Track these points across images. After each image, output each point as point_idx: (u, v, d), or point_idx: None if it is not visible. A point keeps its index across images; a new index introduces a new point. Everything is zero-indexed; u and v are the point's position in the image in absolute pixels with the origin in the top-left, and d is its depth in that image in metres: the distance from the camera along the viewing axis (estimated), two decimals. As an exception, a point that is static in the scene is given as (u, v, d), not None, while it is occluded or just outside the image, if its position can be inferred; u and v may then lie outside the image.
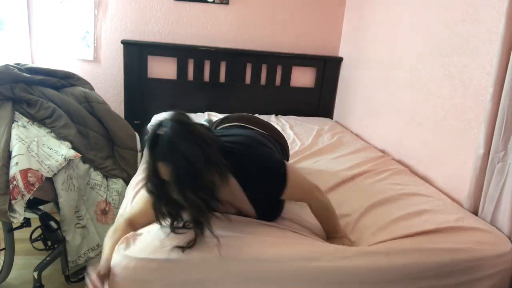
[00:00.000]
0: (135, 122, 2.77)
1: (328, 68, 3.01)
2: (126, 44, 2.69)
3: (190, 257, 1.13)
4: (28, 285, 1.80)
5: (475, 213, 1.58)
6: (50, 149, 1.71)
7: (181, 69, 2.82)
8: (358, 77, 2.74)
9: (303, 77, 3.04)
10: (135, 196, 1.53)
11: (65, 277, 1.79)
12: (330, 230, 1.35)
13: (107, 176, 1.95)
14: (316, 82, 3.04)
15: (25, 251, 2.03)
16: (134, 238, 1.18)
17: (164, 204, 1.12)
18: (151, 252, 1.12)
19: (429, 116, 1.95)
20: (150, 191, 1.12)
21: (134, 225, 1.26)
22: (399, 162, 2.14)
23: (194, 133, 1.10)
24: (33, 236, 1.80)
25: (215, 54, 2.83)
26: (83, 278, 1.83)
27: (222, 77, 2.90)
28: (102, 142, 2.03)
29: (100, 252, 1.84)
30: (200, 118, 2.64)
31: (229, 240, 1.18)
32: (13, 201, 1.52)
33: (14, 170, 1.54)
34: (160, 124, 1.09)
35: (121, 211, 1.46)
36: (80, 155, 1.79)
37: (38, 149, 1.67)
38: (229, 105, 2.93)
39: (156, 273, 1.12)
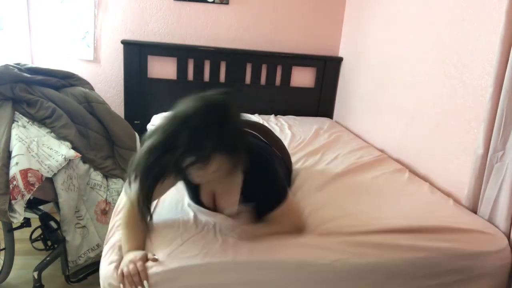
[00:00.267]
0: (135, 122, 2.77)
1: (328, 68, 3.01)
2: (126, 44, 2.69)
3: (207, 261, 1.13)
4: (28, 285, 1.80)
5: (474, 211, 1.59)
6: (50, 149, 1.71)
7: (181, 69, 2.82)
8: (358, 77, 2.74)
9: (303, 77, 3.04)
10: None
11: (65, 277, 1.80)
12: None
13: (107, 176, 1.95)
14: (316, 82, 3.04)
15: (25, 251, 2.03)
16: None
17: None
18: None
19: (429, 116, 1.95)
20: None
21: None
22: (399, 161, 2.14)
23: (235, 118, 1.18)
24: (33, 236, 1.80)
25: (215, 54, 2.83)
26: (83, 278, 1.83)
27: (222, 77, 2.90)
28: (102, 142, 2.04)
29: (100, 252, 1.84)
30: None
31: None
32: (13, 201, 1.52)
33: (14, 170, 1.54)
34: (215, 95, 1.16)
35: (118, 207, 1.45)
36: (80, 155, 1.79)
37: (38, 149, 1.67)
38: (229, 105, 2.92)
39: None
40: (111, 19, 2.71)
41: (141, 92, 2.80)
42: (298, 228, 1.29)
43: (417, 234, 1.33)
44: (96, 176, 1.89)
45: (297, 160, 2.01)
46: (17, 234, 1.75)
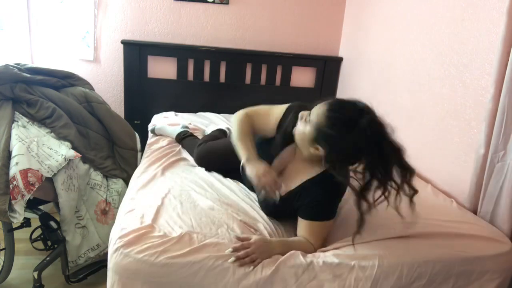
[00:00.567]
0: (135, 122, 2.77)
1: (328, 68, 3.01)
2: (126, 44, 2.69)
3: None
4: (28, 285, 1.80)
5: (475, 212, 1.59)
6: (50, 149, 1.71)
7: (181, 69, 2.82)
8: (358, 77, 2.74)
9: (303, 77, 3.04)
10: (138, 190, 1.54)
11: (65, 277, 1.79)
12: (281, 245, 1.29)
13: (107, 176, 1.95)
14: (316, 82, 3.04)
15: (25, 251, 2.03)
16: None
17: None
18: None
19: (429, 116, 1.95)
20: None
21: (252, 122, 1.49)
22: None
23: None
24: (33, 236, 1.80)
25: (215, 54, 2.83)
26: (83, 278, 1.83)
27: (222, 77, 2.90)
28: (102, 142, 2.04)
29: (100, 252, 1.84)
30: (201, 118, 2.65)
31: None
32: (13, 201, 1.52)
33: (14, 170, 1.54)
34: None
35: (121, 208, 1.45)
36: (80, 155, 1.79)
37: (38, 149, 1.67)
38: (229, 105, 2.92)
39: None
40: (111, 19, 2.71)
41: (141, 92, 2.80)
42: (312, 249, 1.29)
43: (418, 240, 1.33)
44: (96, 176, 1.89)
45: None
46: (17, 234, 1.75)
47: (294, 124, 1.34)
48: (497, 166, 1.47)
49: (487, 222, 1.51)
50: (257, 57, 2.89)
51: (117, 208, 1.87)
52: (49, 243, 1.79)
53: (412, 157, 2.07)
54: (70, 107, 1.96)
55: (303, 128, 1.27)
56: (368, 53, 2.61)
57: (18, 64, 1.96)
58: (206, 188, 1.61)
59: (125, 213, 1.37)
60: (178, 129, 2.19)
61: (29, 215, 1.76)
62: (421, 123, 2.01)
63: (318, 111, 1.24)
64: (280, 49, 2.94)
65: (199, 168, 1.84)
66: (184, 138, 2.10)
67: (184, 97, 2.87)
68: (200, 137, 2.17)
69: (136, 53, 2.72)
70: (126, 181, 1.97)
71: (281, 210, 1.41)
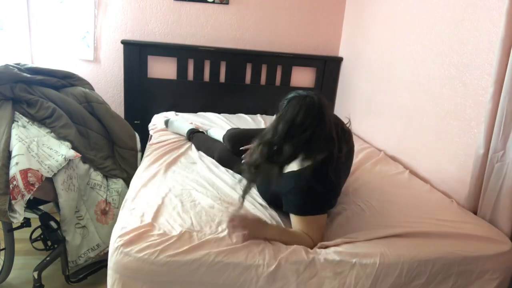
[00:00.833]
0: (135, 122, 2.78)
1: (328, 68, 3.01)
2: (126, 44, 2.69)
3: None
4: (28, 285, 1.80)
5: (474, 212, 1.59)
6: (50, 149, 1.71)
7: (181, 69, 2.82)
8: (358, 77, 2.74)
9: (303, 77, 3.04)
10: (139, 190, 1.55)
11: (65, 277, 1.79)
12: (277, 230, 1.34)
13: (107, 176, 1.95)
14: (316, 82, 3.04)
15: (25, 251, 2.03)
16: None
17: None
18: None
19: (429, 116, 1.95)
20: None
21: None
22: (399, 162, 2.14)
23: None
24: (33, 236, 1.80)
25: (215, 54, 2.83)
26: (83, 278, 1.83)
27: (222, 77, 2.90)
28: (102, 142, 2.03)
29: (100, 252, 1.84)
30: (201, 118, 2.65)
31: None
32: (13, 201, 1.52)
33: (14, 170, 1.54)
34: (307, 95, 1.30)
35: (122, 207, 1.46)
36: (80, 155, 1.79)
37: (38, 149, 1.67)
38: (229, 105, 2.93)
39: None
40: (111, 19, 2.71)
41: (141, 92, 2.80)
42: (310, 243, 1.29)
43: (418, 239, 1.33)
44: (96, 176, 1.89)
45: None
46: (17, 234, 1.75)
47: None
48: (496, 166, 1.47)
49: (487, 222, 1.51)
50: (257, 57, 2.89)
51: (117, 208, 1.87)
52: (49, 243, 1.78)
53: (412, 157, 2.08)
54: (70, 107, 1.96)
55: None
56: (368, 53, 2.62)
57: (18, 64, 1.96)
58: (207, 186, 1.62)
59: (126, 212, 1.37)
60: (190, 126, 2.27)
61: (29, 215, 1.76)
62: (421, 123, 2.02)
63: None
64: (280, 49, 2.94)
65: (201, 165, 1.85)
66: (195, 133, 2.19)
67: (184, 97, 2.87)
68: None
69: (136, 53, 2.72)
70: (126, 181, 1.97)
71: (274, 194, 1.45)
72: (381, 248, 1.26)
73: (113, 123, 2.10)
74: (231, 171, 1.81)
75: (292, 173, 1.33)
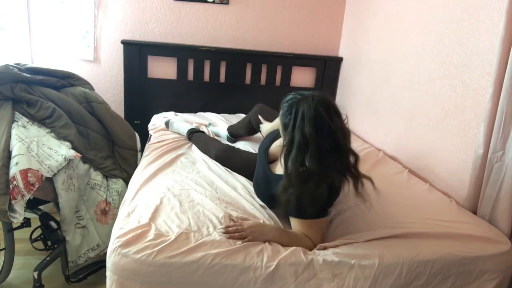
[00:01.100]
0: (135, 122, 2.78)
1: (328, 68, 3.01)
2: (126, 44, 2.69)
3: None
4: (28, 285, 1.80)
5: (474, 212, 1.59)
6: (50, 149, 1.71)
7: (181, 69, 2.82)
8: (358, 77, 2.74)
9: (303, 77, 3.04)
10: (138, 190, 1.54)
11: (65, 277, 1.80)
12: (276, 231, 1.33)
13: (107, 176, 1.95)
14: (316, 82, 3.04)
15: (25, 251, 2.03)
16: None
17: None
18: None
19: (429, 116, 1.95)
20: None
21: None
22: (399, 161, 2.14)
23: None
24: (33, 236, 1.80)
25: (215, 54, 2.83)
26: (83, 278, 1.83)
27: (222, 77, 2.90)
28: (102, 142, 2.04)
29: (100, 252, 1.84)
30: (201, 118, 2.65)
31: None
32: (13, 201, 1.52)
33: (14, 170, 1.54)
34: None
35: (121, 208, 1.46)
36: (80, 155, 1.79)
37: (38, 149, 1.67)
38: (229, 105, 2.93)
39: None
40: (111, 19, 2.71)
41: (141, 92, 2.80)
42: (310, 244, 1.29)
43: (417, 239, 1.33)
44: (96, 176, 1.89)
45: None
46: (17, 234, 1.75)
47: None
48: (495, 166, 1.47)
49: (487, 222, 1.51)
50: (257, 57, 2.89)
51: (117, 208, 1.88)
52: (49, 243, 1.79)
53: (412, 157, 2.08)
54: (70, 107, 1.96)
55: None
56: (368, 53, 2.61)
57: (18, 64, 1.96)
58: (206, 186, 1.61)
59: (124, 212, 1.37)
60: (190, 126, 2.28)
61: (29, 215, 1.76)
62: (421, 123, 2.01)
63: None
64: (280, 49, 2.94)
65: (201, 165, 1.85)
66: (195, 133, 2.20)
67: (184, 97, 2.87)
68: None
69: (136, 53, 2.72)
70: (126, 181, 1.97)
71: (267, 195, 1.45)
72: (380, 249, 1.26)
73: (113, 123, 2.10)
74: (231, 172, 1.80)
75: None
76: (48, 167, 1.62)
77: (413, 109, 2.09)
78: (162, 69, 2.82)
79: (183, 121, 2.39)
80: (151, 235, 1.21)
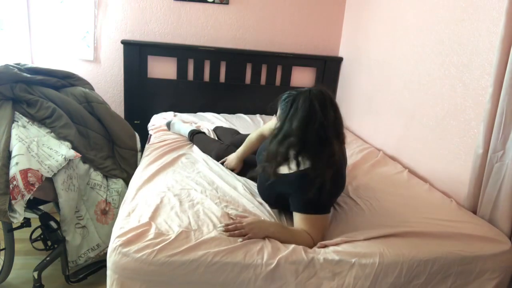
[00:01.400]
0: (135, 122, 2.78)
1: (328, 68, 3.01)
2: (126, 44, 2.69)
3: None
4: (28, 285, 1.80)
5: (474, 212, 1.59)
6: (50, 149, 1.71)
7: (181, 69, 2.82)
8: (358, 77, 2.74)
9: (303, 77, 3.04)
10: (138, 190, 1.54)
11: (65, 277, 1.80)
12: (276, 227, 1.34)
13: (107, 176, 1.95)
14: (316, 82, 3.04)
15: (25, 251, 2.03)
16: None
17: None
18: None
19: (429, 116, 1.95)
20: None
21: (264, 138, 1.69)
22: (399, 161, 2.14)
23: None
24: (33, 236, 1.80)
25: (215, 54, 2.83)
26: (83, 278, 1.83)
27: (222, 77, 2.90)
28: (102, 142, 2.04)
29: (100, 252, 1.84)
30: (201, 118, 2.65)
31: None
32: (13, 201, 1.52)
33: (14, 170, 1.54)
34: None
35: (121, 207, 1.46)
36: (80, 155, 1.79)
37: (38, 149, 1.67)
38: (229, 105, 2.93)
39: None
40: (111, 19, 2.71)
41: (141, 92, 2.80)
42: (310, 242, 1.30)
43: (418, 238, 1.33)
44: (96, 176, 1.89)
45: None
46: (17, 234, 1.75)
47: None
48: (495, 166, 1.47)
49: (486, 221, 1.51)
50: (257, 57, 2.89)
51: (117, 208, 1.88)
52: (49, 243, 1.79)
53: (412, 157, 2.08)
54: (70, 107, 1.96)
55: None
56: (368, 53, 2.62)
57: (18, 64, 1.96)
58: (206, 186, 1.62)
59: (125, 212, 1.37)
60: (191, 128, 2.28)
61: (29, 215, 1.76)
62: (421, 123, 2.02)
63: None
64: (280, 49, 2.94)
65: (202, 165, 1.85)
66: (196, 134, 2.20)
67: (184, 97, 2.87)
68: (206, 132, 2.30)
69: (136, 53, 2.72)
70: (126, 181, 1.97)
71: (273, 194, 1.46)
72: (380, 248, 1.26)
73: (113, 123, 2.10)
74: (232, 172, 1.80)
75: (300, 172, 1.33)
76: (48, 167, 1.62)
77: (413, 109, 2.09)
78: (162, 69, 2.82)
79: (182, 123, 2.39)
80: (151, 234, 1.21)
